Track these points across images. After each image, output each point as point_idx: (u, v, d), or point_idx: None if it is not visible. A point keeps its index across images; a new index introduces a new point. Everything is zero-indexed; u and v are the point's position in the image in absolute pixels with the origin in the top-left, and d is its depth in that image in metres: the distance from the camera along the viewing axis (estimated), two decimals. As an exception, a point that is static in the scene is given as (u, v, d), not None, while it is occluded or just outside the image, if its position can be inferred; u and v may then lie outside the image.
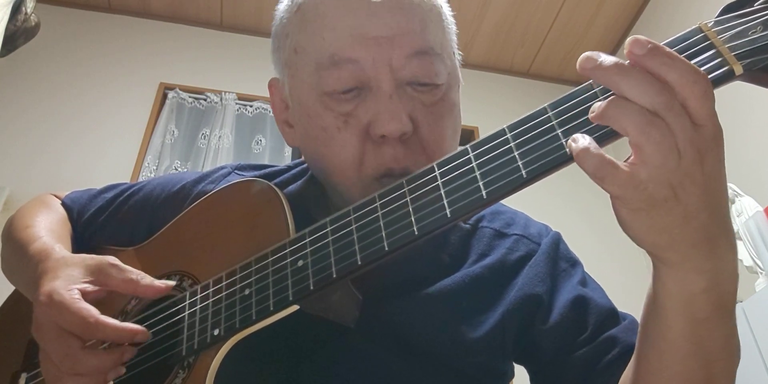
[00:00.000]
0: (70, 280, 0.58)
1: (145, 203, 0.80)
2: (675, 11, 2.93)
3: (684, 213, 0.41)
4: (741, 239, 2.12)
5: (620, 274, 2.76)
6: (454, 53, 0.70)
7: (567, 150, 0.44)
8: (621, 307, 0.71)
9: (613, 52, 3.16)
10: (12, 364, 0.71)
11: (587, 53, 0.42)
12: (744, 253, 2.11)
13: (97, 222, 0.81)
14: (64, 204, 0.84)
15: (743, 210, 2.14)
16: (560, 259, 0.72)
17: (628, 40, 0.41)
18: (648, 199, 0.41)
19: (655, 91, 0.40)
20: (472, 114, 2.99)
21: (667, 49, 0.41)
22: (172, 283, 0.60)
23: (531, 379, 0.71)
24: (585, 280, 0.72)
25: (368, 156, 0.62)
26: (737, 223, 2.15)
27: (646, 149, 0.40)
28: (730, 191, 2.21)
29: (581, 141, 0.42)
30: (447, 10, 0.70)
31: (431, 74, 0.63)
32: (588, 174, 0.42)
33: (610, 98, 0.41)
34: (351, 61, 0.61)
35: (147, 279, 0.59)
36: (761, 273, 2.03)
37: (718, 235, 0.43)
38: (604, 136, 0.43)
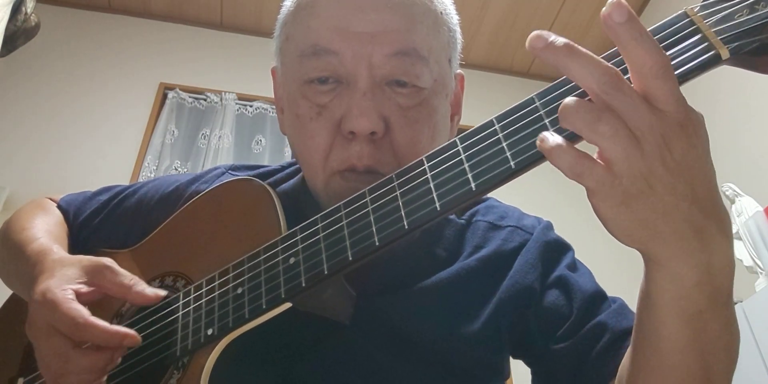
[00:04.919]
0: (64, 279, 0.58)
1: (140, 205, 0.79)
2: (675, 12, 2.93)
3: (662, 204, 0.40)
4: (741, 239, 2.12)
5: (617, 266, 2.76)
6: (449, 61, 0.68)
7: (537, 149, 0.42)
8: (621, 298, 0.70)
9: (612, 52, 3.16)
10: (9, 369, 0.71)
11: (538, 32, 0.40)
12: (744, 253, 2.10)
13: (93, 224, 0.81)
14: (59, 206, 0.84)
15: (743, 210, 2.13)
16: (550, 245, 0.72)
17: (611, 1, 0.39)
18: (624, 194, 0.40)
19: (602, 71, 0.39)
20: (471, 114, 2.97)
21: (641, 25, 0.39)
22: (163, 292, 0.59)
23: (532, 380, 0.71)
24: (574, 265, 0.71)
25: (335, 150, 0.62)
26: (737, 223, 2.14)
27: (602, 145, 0.40)
28: (730, 191, 2.21)
29: (550, 139, 0.41)
30: (450, 18, 0.68)
31: (411, 75, 0.62)
32: (563, 172, 0.40)
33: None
34: (331, 53, 0.62)
35: (140, 286, 0.58)
36: (761, 273, 2.03)
37: (707, 225, 0.41)
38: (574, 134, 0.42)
